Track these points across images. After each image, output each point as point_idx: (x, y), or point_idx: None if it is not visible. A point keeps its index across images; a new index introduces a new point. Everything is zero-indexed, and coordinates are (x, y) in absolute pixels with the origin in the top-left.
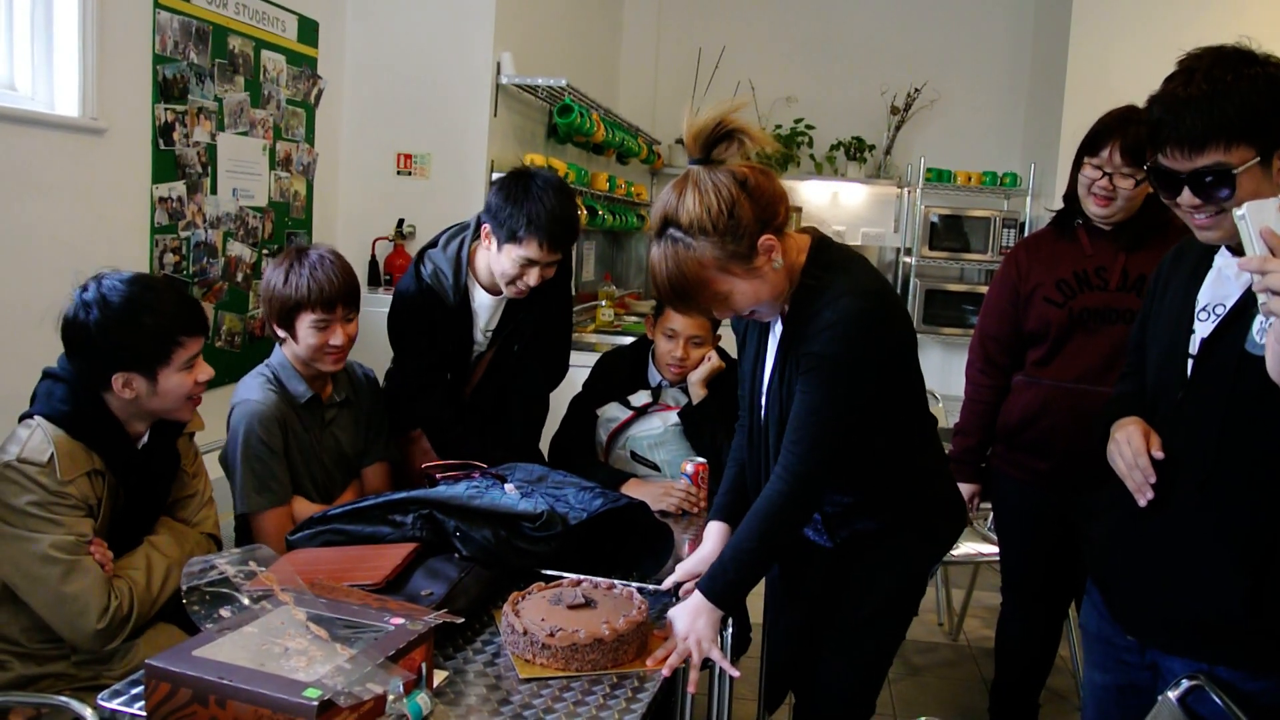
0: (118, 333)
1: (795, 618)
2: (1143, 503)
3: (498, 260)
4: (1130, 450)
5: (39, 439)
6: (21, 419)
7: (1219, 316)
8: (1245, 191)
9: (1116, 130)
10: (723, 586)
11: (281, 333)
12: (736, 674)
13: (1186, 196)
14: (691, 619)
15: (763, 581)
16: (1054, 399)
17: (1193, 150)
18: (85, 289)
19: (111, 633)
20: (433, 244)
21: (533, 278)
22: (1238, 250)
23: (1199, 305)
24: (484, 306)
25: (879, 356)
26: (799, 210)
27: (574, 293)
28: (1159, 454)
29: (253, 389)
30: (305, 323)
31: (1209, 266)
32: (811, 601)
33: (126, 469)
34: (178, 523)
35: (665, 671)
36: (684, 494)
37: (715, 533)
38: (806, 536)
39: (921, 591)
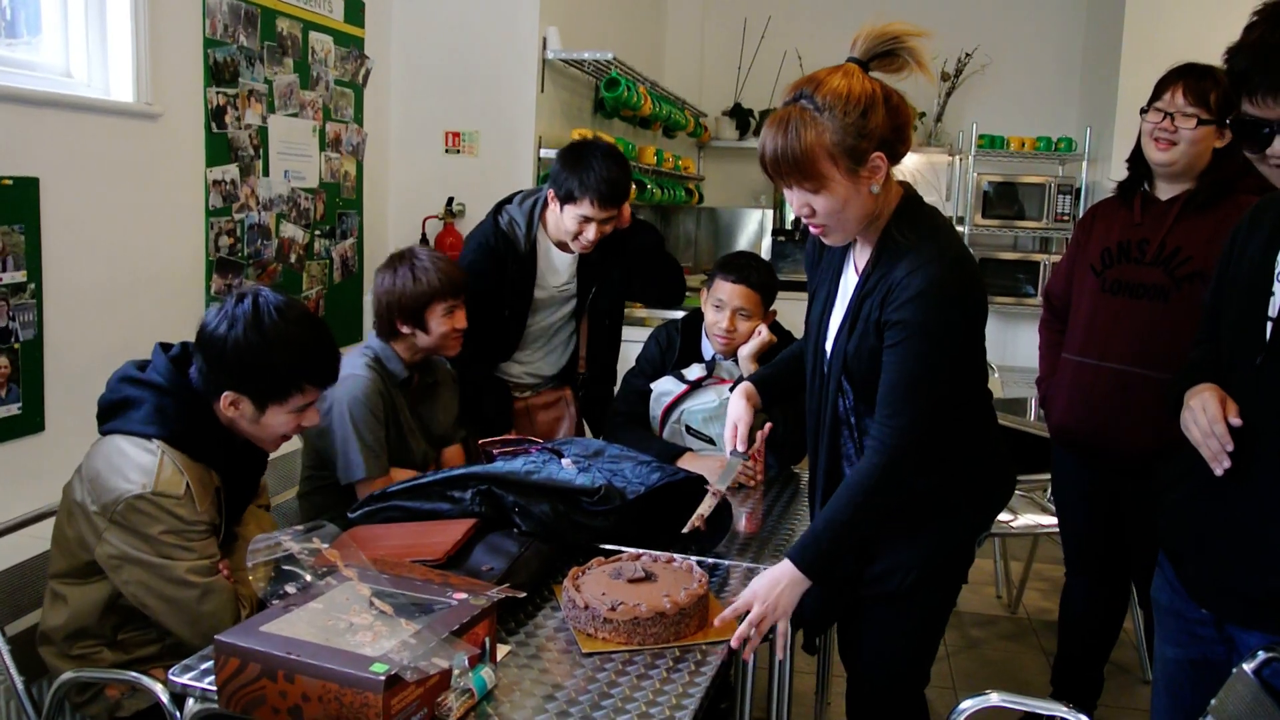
0: (250, 357)
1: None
2: (1219, 471)
3: (560, 220)
4: (1206, 417)
5: (170, 469)
6: (122, 432)
7: None
8: None
9: (1177, 75)
10: (814, 557)
11: (406, 328)
12: (783, 656)
13: (1278, 146)
14: (772, 586)
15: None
16: (1096, 379)
17: None
18: (241, 301)
19: None
20: (508, 200)
21: (591, 232)
22: None
23: (1278, 267)
24: (558, 260)
25: (968, 325)
26: None
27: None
28: (1236, 421)
29: (355, 365)
30: (438, 312)
31: None
32: (852, 572)
33: (229, 469)
34: (257, 509)
35: (734, 643)
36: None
37: (740, 391)
38: None
39: (968, 560)
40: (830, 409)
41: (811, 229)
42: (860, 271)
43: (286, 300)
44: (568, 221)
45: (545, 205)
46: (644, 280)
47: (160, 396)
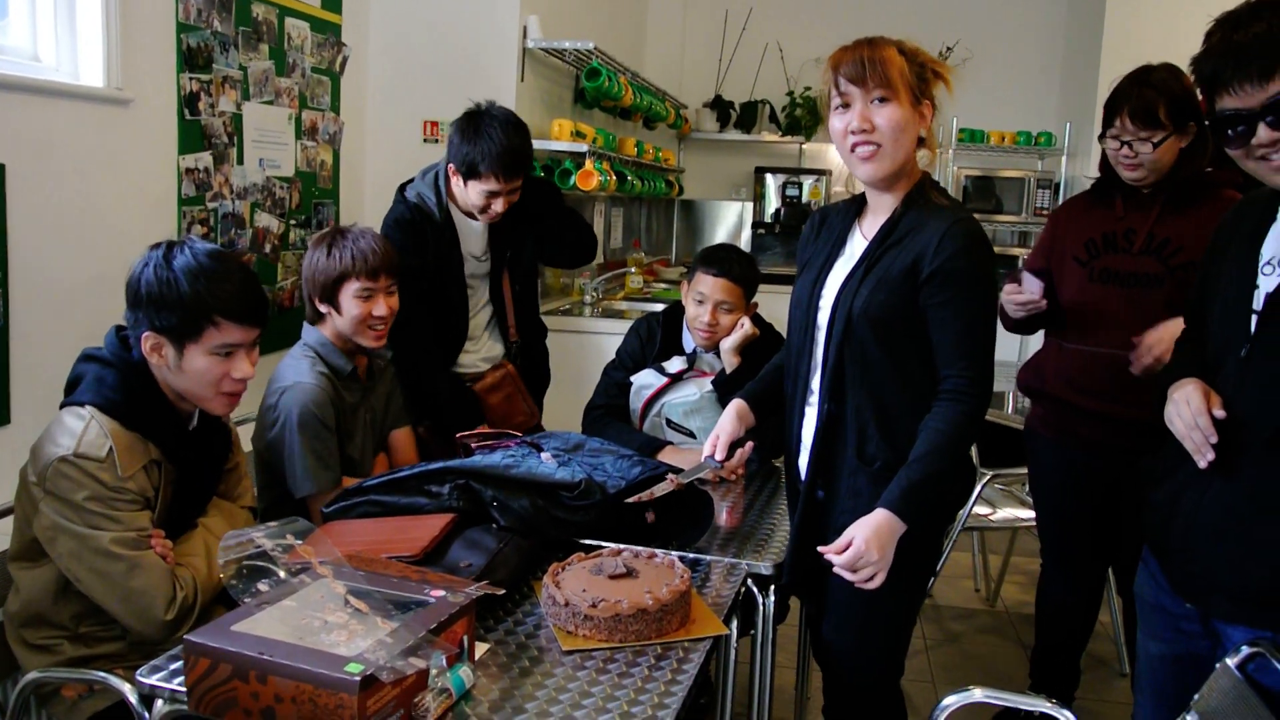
0: (160, 290)
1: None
2: (1203, 464)
3: (465, 194)
4: (1190, 410)
5: (95, 432)
6: (66, 405)
7: None
8: None
9: (1121, 99)
10: (919, 508)
11: (324, 308)
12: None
13: (1264, 134)
14: (886, 538)
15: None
16: (1084, 363)
17: (1263, 78)
18: (162, 245)
19: (180, 622)
20: (408, 181)
21: (499, 205)
22: None
23: (1263, 259)
24: (471, 229)
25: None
26: (829, 173)
27: (602, 259)
28: (1220, 413)
29: (301, 371)
30: (349, 292)
31: (1272, 220)
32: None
33: (181, 453)
34: (226, 502)
35: (862, 580)
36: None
37: (734, 407)
38: (815, 496)
39: (935, 553)
40: (824, 369)
41: (860, 153)
42: (873, 235)
43: (210, 246)
44: (473, 196)
45: (448, 177)
46: (556, 244)
47: (103, 368)
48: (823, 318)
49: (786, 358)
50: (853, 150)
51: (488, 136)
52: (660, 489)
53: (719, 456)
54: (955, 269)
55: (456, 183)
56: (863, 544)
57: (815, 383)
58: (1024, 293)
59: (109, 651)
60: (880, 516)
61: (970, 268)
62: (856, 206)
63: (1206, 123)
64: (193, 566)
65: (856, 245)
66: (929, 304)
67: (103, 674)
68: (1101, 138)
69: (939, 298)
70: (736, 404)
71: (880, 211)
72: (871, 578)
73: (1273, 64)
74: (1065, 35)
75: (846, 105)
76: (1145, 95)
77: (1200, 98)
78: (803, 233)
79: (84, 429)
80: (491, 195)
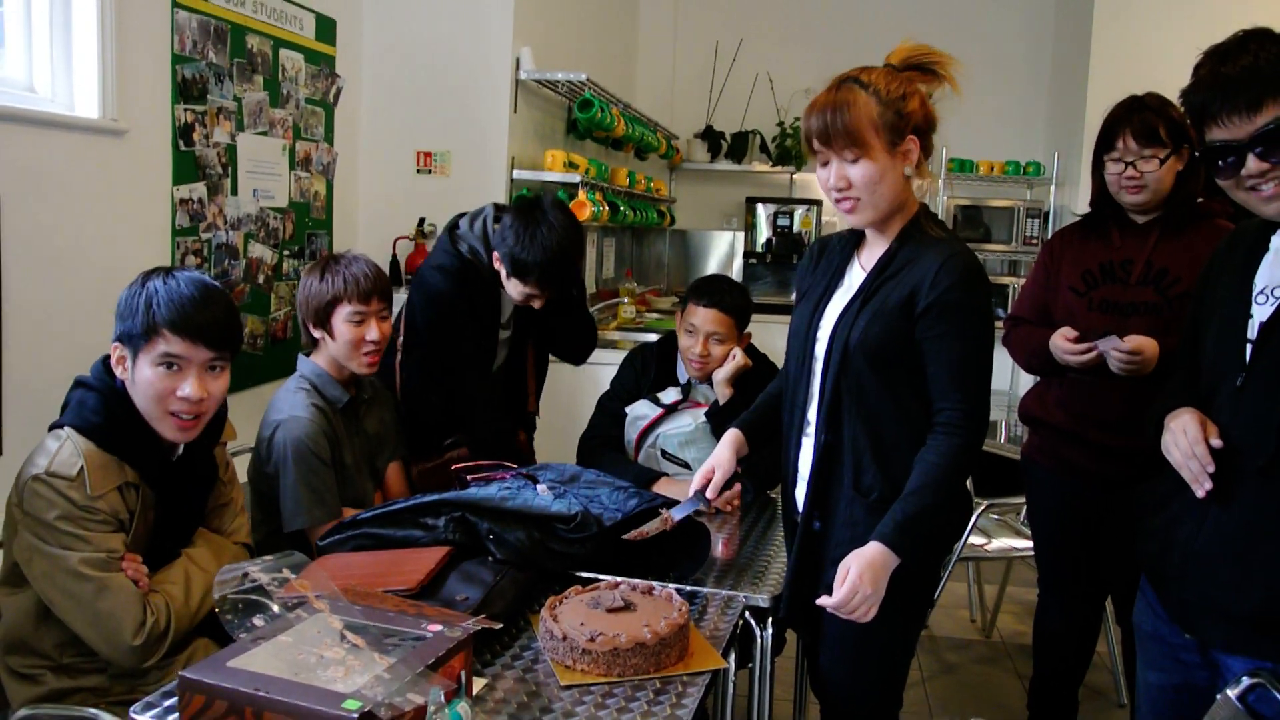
0: (127, 301)
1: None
2: (1201, 493)
3: (507, 282)
4: (1187, 440)
5: (69, 452)
6: (52, 428)
7: (1278, 299)
8: None
9: (1123, 119)
10: (913, 541)
11: (318, 333)
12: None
13: (1253, 164)
14: (865, 565)
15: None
16: (1088, 394)
17: (1251, 110)
18: (159, 270)
19: (149, 649)
20: (455, 225)
21: (538, 304)
22: None
23: (1256, 288)
24: (504, 296)
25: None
26: (820, 203)
27: (594, 289)
28: (1217, 442)
29: (296, 405)
30: (341, 316)
31: (1265, 249)
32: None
33: (162, 480)
34: (214, 534)
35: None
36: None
37: (729, 438)
38: (812, 527)
39: (932, 584)
40: (820, 401)
41: (842, 207)
42: (871, 266)
43: (195, 274)
44: (512, 290)
45: (488, 225)
46: (567, 341)
47: (86, 392)
48: (820, 349)
49: (784, 387)
50: (837, 203)
51: (542, 244)
52: (651, 527)
53: (710, 495)
54: (951, 301)
55: (499, 266)
56: (856, 578)
57: (812, 413)
58: (1090, 352)
59: (92, 685)
60: (874, 550)
61: (966, 300)
62: (856, 238)
63: (1197, 154)
64: (168, 594)
65: (855, 277)
66: (925, 336)
67: (94, 710)
68: (1098, 166)
69: (935, 330)
70: (731, 436)
71: (877, 245)
72: (865, 611)
73: (1260, 96)
74: (1052, 66)
75: (825, 162)
76: (1145, 116)
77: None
78: (802, 261)
79: (59, 449)
80: (532, 297)
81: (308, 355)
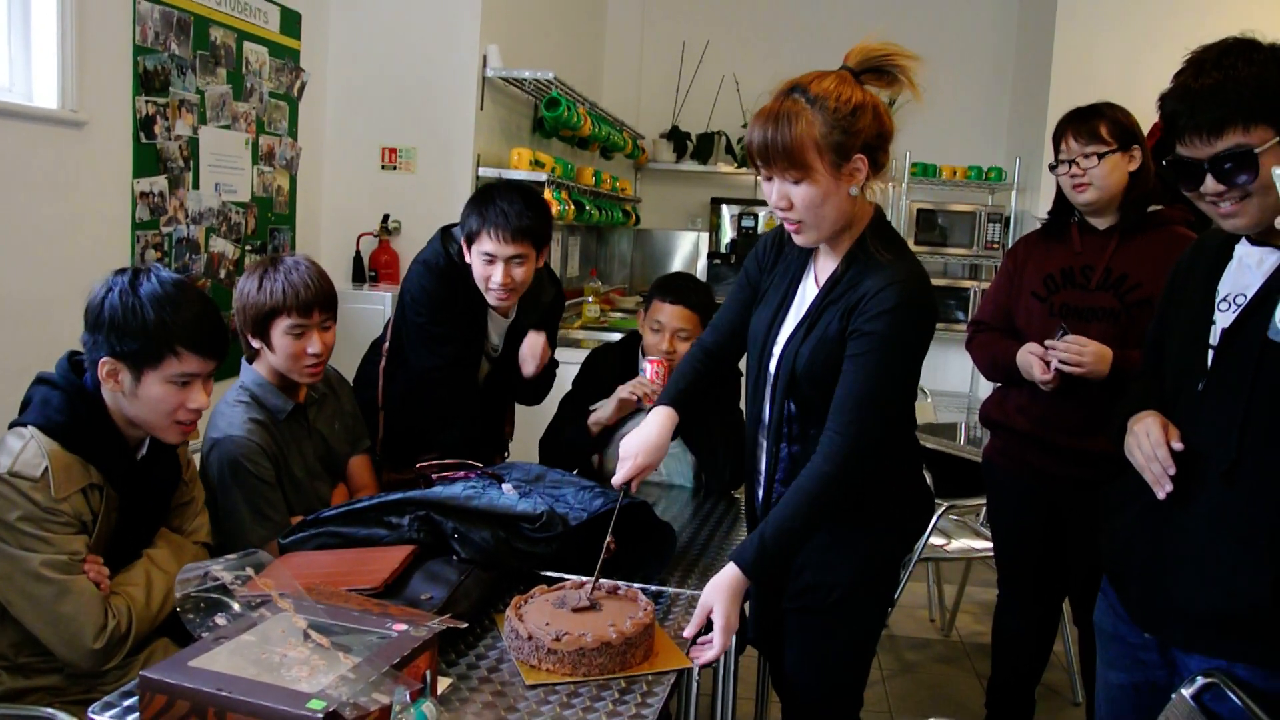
0: (124, 315)
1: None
2: (1161, 495)
3: (473, 262)
4: (1149, 442)
5: (32, 452)
6: (13, 426)
7: (1240, 306)
8: (1267, 173)
9: (1066, 123)
10: (766, 563)
11: (256, 343)
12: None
13: (1210, 184)
14: (730, 599)
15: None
16: (1043, 399)
17: (1212, 135)
18: (123, 272)
19: (109, 652)
20: (449, 227)
21: (498, 274)
22: (1258, 240)
23: (1219, 296)
24: (495, 317)
25: (925, 346)
26: None
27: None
28: (1179, 445)
29: (234, 422)
30: (280, 329)
31: (1229, 258)
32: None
33: (126, 481)
34: (175, 534)
35: (707, 659)
36: (637, 383)
37: (659, 416)
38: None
39: (892, 583)
40: (774, 414)
41: (786, 225)
42: (822, 283)
43: (172, 275)
44: (475, 265)
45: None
46: (526, 392)
47: (50, 390)
48: (773, 365)
49: (746, 386)
50: (781, 222)
51: (493, 201)
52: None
53: (619, 482)
54: (873, 331)
55: (472, 261)
56: (724, 621)
57: (768, 422)
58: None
59: (46, 685)
60: (731, 577)
61: (889, 332)
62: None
63: (1164, 162)
64: (129, 596)
65: (809, 291)
66: (846, 355)
67: (50, 710)
68: (1054, 168)
69: (851, 351)
70: (666, 417)
71: (829, 260)
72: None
73: (1222, 121)
74: (1014, 72)
75: (768, 177)
76: (1087, 117)
77: (1156, 128)
78: (760, 243)
79: (22, 448)
80: (489, 260)
81: (250, 362)
